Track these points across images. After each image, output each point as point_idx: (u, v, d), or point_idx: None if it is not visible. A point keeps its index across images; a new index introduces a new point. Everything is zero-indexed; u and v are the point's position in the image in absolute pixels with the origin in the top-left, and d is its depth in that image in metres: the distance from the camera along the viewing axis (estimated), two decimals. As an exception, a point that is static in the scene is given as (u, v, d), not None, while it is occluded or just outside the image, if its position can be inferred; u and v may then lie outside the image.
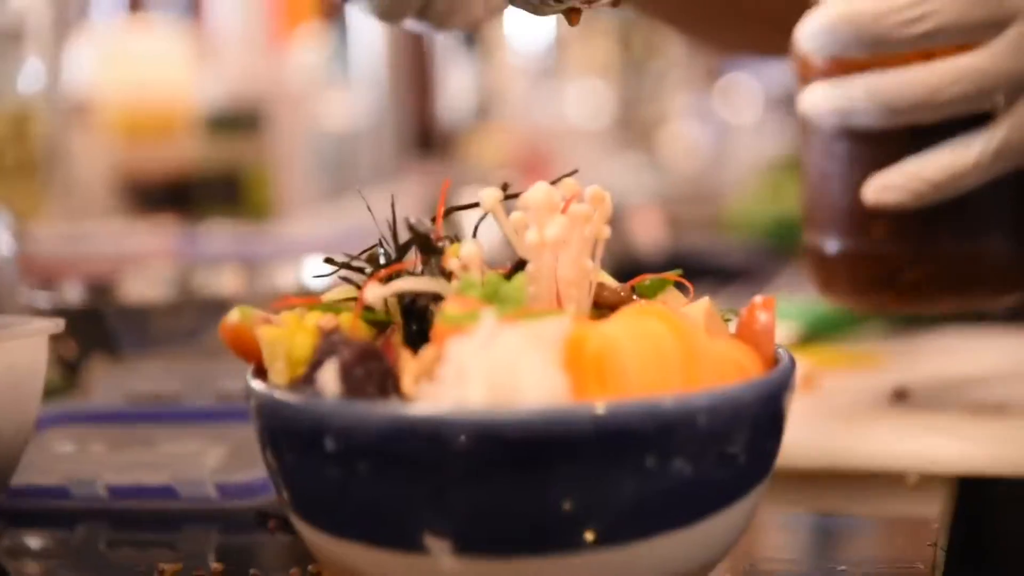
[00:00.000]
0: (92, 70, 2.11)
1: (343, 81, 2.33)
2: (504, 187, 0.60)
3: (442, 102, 2.68)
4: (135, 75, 2.09)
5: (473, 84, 2.73)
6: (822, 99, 0.80)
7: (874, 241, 0.83)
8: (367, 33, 2.24)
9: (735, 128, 3.53)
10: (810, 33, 0.79)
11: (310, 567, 0.67)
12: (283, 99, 2.08)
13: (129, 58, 2.13)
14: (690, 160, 3.39)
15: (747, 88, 3.78)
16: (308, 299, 0.61)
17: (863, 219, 0.82)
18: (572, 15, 0.70)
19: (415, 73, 2.50)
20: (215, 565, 0.68)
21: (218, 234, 1.66)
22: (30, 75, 1.73)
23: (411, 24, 0.86)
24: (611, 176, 2.81)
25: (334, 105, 2.30)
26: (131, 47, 2.18)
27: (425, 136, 2.56)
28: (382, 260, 0.62)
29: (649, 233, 1.92)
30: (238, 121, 2.03)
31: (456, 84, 2.71)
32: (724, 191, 2.58)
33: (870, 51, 0.77)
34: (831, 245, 0.85)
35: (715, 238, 2.25)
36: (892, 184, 0.78)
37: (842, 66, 0.79)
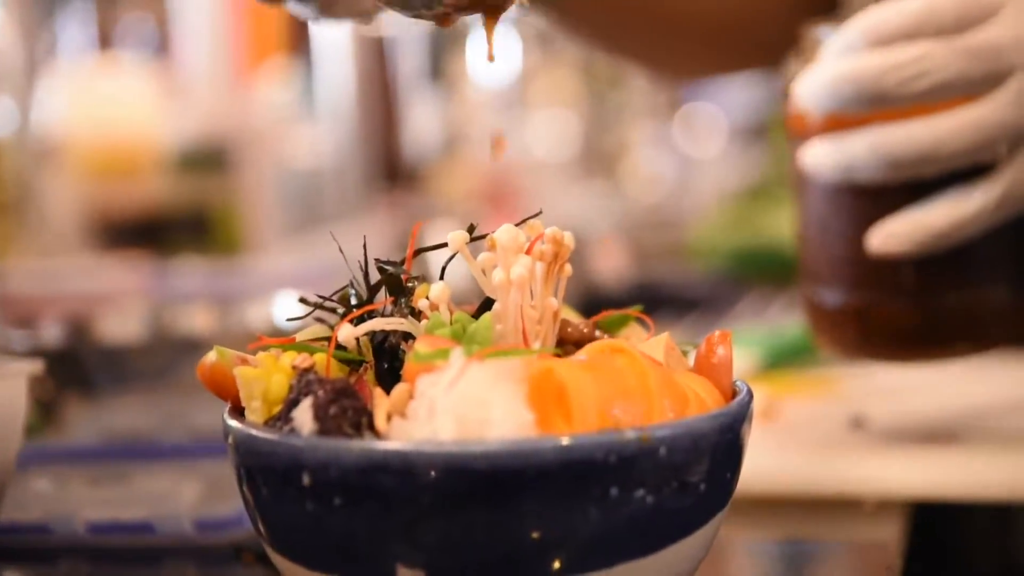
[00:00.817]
0: (62, 109, 2.12)
1: (310, 117, 2.34)
2: (471, 228, 0.61)
3: (408, 136, 2.69)
4: (104, 114, 2.10)
5: (438, 118, 2.75)
6: (823, 155, 0.81)
7: (876, 293, 0.83)
8: (333, 69, 2.25)
9: (697, 158, 3.55)
10: (810, 91, 0.80)
11: (286, 599, 0.68)
12: (251, 136, 2.09)
13: (98, 97, 2.14)
14: (653, 190, 3.41)
15: (709, 118, 3.81)
16: (283, 339, 0.62)
17: (865, 272, 0.83)
18: (444, 19, 0.70)
19: (381, 108, 2.52)
20: (193, 599, 0.70)
21: (189, 271, 1.67)
22: (0, 115, 1.74)
23: (292, 6, 0.84)
24: (574, 207, 2.83)
25: (301, 141, 2.31)
26: (100, 86, 2.19)
27: (391, 170, 2.57)
28: (353, 300, 0.64)
29: (612, 263, 1.94)
30: (206, 158, 2.04)
31: (421, 118, 2.72)
32: (686, 220, 2.60)
33: (872, 108, 0.77)
34: (832, 298, 0.85)
35: (678, 267, 2.27)
36: (896, 233, 0.79)
37: (842, 122, 0.80)
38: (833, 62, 0.79)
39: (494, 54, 0.70)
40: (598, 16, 1.19)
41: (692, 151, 3.58)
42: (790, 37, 0.89)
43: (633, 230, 2.55)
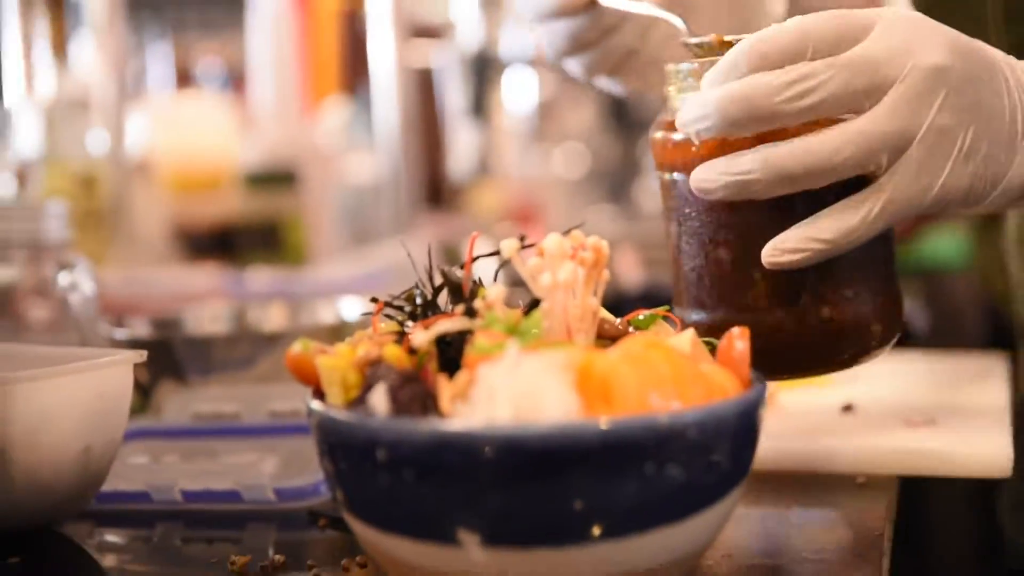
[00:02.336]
0: (149, 135, 2.13)
1: (365, 143, 2.34)
2: (522, 238, 0.61)
3: (449, 161, 2.70)
4: (186, 139, 2.10)
5: (475, 145, 2.75)
6: (715, 174, 0.73)
7: (753, 310, 0.77)
8: (386, 103, 2.26)
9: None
10: (697, 116, 0.72)
11: (358, 558, 0.68)
12: (314, 159, 2.09)
13: (181, 125, 2.14)
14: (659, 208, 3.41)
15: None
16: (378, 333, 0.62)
17: (742, 289, 0.77)
18: None
19: (426, 136, 2.52)
20: (276, 557, 0.70)
21: (261, 277, 1.68)
22: (96, 140, 1.75)
23: None
24: (591, 222, 2.83)
25: (357, 164, 2.32)
26: (183, 115, 2.19)
27: (435, 190, 2.58)
28: (419, 300, 0.64)
29: (627, 271, 1.94)
30: (275, 178, 2.05)
31: (461, 145, 2.73)
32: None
33: (762, 127, 0.71)
34: (705, 317, 0.78)
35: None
36: (787, 246, 0.73)
37: (728, 145, 0.73)
38: (717, 87, 0.72)
39: None
40: None
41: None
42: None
43: (644, 245, 2.54)
